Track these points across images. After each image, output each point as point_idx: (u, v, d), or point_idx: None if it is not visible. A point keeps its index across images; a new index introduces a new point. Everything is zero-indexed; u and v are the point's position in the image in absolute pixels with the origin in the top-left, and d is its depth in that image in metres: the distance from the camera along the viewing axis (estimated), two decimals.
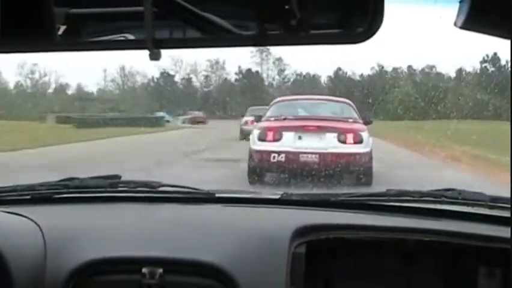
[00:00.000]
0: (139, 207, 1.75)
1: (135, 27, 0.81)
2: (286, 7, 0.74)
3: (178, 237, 1.52)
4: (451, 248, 1.55)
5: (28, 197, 1.76)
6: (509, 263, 1.33)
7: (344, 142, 8.26)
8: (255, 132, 8.55)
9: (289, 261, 1.43)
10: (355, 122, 8.87)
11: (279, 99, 10.40)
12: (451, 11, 0.77)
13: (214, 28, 0.76)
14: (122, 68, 36.12)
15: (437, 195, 1.71)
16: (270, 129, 8.49)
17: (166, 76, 36.50)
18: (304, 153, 8.06)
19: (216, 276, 1.38)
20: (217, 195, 1.78)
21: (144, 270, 1.38)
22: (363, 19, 0.74)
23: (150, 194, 1.79)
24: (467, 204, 1.66)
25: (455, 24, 0.77)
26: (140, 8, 0.72)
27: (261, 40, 0.81)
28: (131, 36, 0.83)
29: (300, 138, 8.33)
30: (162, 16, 0.74)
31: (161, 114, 27.88)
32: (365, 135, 8.46)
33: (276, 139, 8.33)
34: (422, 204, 1.71)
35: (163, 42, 0.77)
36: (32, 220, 1.53)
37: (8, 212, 1.58)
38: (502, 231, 1.46)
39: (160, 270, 1.38)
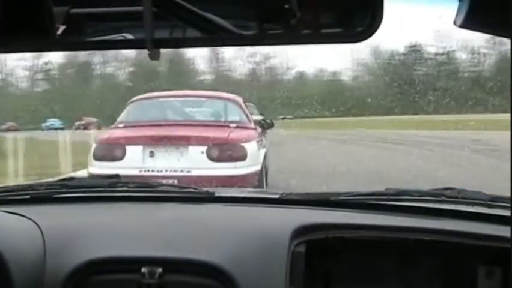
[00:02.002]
0: (138, 206, 1.75)
1: (134, 26, 0.81)
2: (286, 6, 0.74)
3: (177, 236, 1.52)
4: (451, 247, 1.55)
5: (27, 196, 1.76)
6: (509, 262, 1.33)
7: (216, 160, 5.73)
8: (92, 148, 6.17)
9: (288, 260, 1.43)
10: (240, 127, 6.37)
11: (138, 97, 7.40)
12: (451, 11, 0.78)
13: (213, 28, 0.76)
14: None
15: (437, 194, 1.71)
16: (109, 141, 6.11)
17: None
18: (156, 178, 5.45)
19: (215, 276, 1.38)
20: (216, 194, 1.78)
21: (144, 269, 1.38)
22: (363, 18, 0.74)
23: (149, 194, 1.79)
24: (467, 203, 1.66)
25: (454, 23, 0.77)
26: (140, 8, 0.72)
27: (260, 39, 0.81)
28: (130, 36, 0.83)
29: (151, 155, 5.86)
30: (162, 16, 0.74)
31: (51, 121, 26.44)
32: (251, 146, 5.93)
33: (117, 157, 5.83)
34: (422, 203, 1.71)
35: (162, 41, 0.77)
36: (31, 220, 1.53)
37: (7, 212, 1.58)
38: (502, 231, 1.46)
39: (160, 270, 1.38)
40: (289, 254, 1.44)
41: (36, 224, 1.51)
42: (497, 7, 0.73)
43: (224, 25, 0.77)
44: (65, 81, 34.91)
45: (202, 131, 6.15)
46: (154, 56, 0.75)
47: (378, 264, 1.64)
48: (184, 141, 5.85)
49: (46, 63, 35.03)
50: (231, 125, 6.37)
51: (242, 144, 5.90)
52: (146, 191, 1.79)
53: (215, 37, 0.79)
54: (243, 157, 5.79)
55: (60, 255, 1.43)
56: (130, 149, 5.88)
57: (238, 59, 36.64)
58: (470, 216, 1.62)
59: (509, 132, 1.02)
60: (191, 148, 5.81)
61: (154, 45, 0.74)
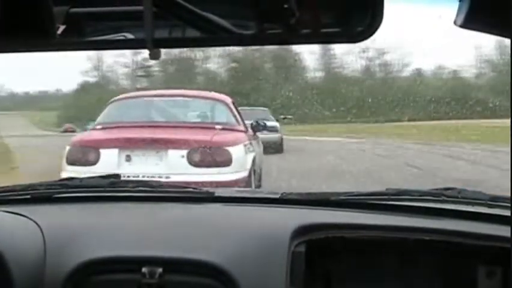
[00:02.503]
0: (138, 206, 1.75)
1: (135, 26, 0.81)
2: (286, 6, 0.75)
3: (177, 236, 1.52)
4: (451, 247, 1.55)
5: (28, 196, 1.76)
6: (510, 262, 1.33)
7: (198, 164, 5.26)
8: (66, 150, 5.70)
9: (289, 260, 1.43)
10: (227, 129, 5.91)
11: (121, 96, 6.96)
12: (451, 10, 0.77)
13: (213, 27, 0.76)
14: None
15: (437, 194, 1.71)
16: (82, 144, 5.70)
17: None
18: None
19: (216, 276, 1.38)
20: (216, 194, 1.78)
21: (144, 269, 1.38)
22: (362, 18, 0.74)
23: (149, 194, 1.79)
24: (467, 203, 1.66)
25: (455, 23, 0.77)
26: (140, 8, 0.72)
27: (260, 39, 0.81)
28: (130, 36, 0.83)
29: (128, 159, 5.41)
30: (162, 15, 0.74)
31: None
32: (236, 150, 5.45)
33: (90, 161, 5.38)
34: (422, 203, 1.71)
35: (162, 41, 0.77)
36: (31, 219, 1.53)
37: (7, 212, 1.58)
38: (502, 230, 1.46)
39: (160, 270, 1.38)
40: (290, 254, 1.44)
41: (37, 223, 1.51)
42: (498, 7, 0.73)
43: (224, 25, 0.77)
44: (165, 77, 33.60)
45: (184, 133, 5.67)
46: (155, 56, 0.75)
47: (378, 264, 1.64)
48: (164, 144, 5.38)
49: (145, 59, 32.83)
50: (217, 126, 5.91)
51: (227, 147, 5.40)
52: (147, 191, 1.79)
53: (215, 37, 0.79)
54: (227, 162, 5.30)
55: (60, 255, 1.43)
56: (104, 153, 5.42)
57: (350, 54, 34.28)
58: (470, 216, 1.62)
59: None
60: (170, 152, 5.34)
61: (155, 45, 0.74)
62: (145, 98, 6.94)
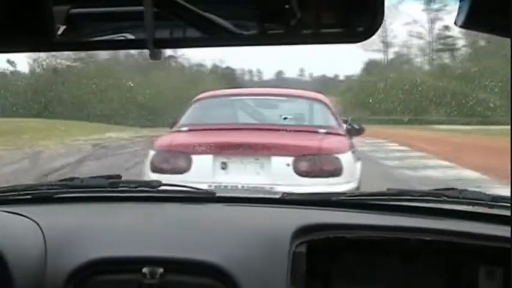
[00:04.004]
0: (139, 206, 1.75)
1: (135, 26, 0.81)
2: (287, 6, 0.74)
3: (178, 236, 1.52)
4: (452, 247, 1.55)
5: (28, 196, 1.76)
6: (510, 262, 1.33)
7: (306, 174, 4.56)
8: (149, 156, 4.97)
9: (289, 260, 1.43)
10: (331, 133, 5.15)
11: (205, 94, 6.16)
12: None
13: (214, 28, 0.76)
14: None
15: (438, 195, 1.71)
16: (171, 148, 4.93)
17: None
18: None
19: (216, 276, 1.38)
20: (217, 194, 1.78)
21: (145, 270, 1.38)
22: (363, 18, 0.74)
23: (150, 194, 1.79)
24: (468, 204, 1.66)
25: (455, 23, 0.77)
26: (140, 8, 0.72)
27: (261, 39, 0.81)
28: (131, 36, 0.83)
29: (224, 167, 4.73)
30: (162, 16, 0.74)
31: None
32: (346, 158, 4.75)
33: (180, 169, 4.69)
34: (423, 203, 1.71)
35: (163, 42, 0.77)
36: (32, 220, 1.53)
37: (8, 212, 1.58)
38: (503, 230, 1.46)
39: (161, 270, 1.38)
40: (290, 254, 1.44)
41: (37, 224, 1.51)
42: (498, 7, 0.73)
43: (224, 25, 0.77)
44: (474, 52, 30.80)
45: (287, 137, 4.95)
46: (155, 56, 0.75)
47: (378, 264, 1.64)
48: (266, 150, 4.66)
49: (445, 28, 30.88)
50: (320, 130, 5.12)
51: (336, 155, 4.70)
52: (147, 191, 1.79)
53: (215, 37, 0.79)
54: (337, 171, 4.61)
55: (61, 255, 1.43)
56: (197, 159, 4.71)
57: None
58: (471, 216, 1.62)
59: None
60: (274, 159, 4.62)
61: (155, 45, 0.74)
62: (233, 97, 6.16)
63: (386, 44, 32.90)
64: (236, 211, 1.73)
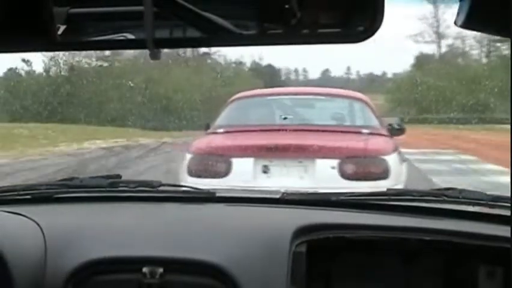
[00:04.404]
0: (139, 206, 1.75)
1: (135, 26, 0.81)
2: (286, 6, 0.74)
3: (178, 236, 1.52)
4: (452, 247, 1.55)
5: (28, 196, 1.76)
6: (510, 262, 1.33)
7: (352, 177, 4.35)
8: (185, 160, 4.73)
9: (289, 260, 1.43)
10: (374, 133, 4.92)
11: (241, 94, 5.91)
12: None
13: (214, 28, 0.76)
14: None
15: (438, 195, 1.71)
16: (210, 151, 4.73)
17: None
18: None
19: (217, 276, 1.38)
20: (217, 194, 1.78)
21: (145, 269, 1.38)
22: (363, 18, 0.74)
23: (150, 194, 1.79)
24: (468, 203, 1.66)
25: (455, 23, 0.77)
26: (140, 8, 0.72)
27: (261, 39, 0.81)
28: (131, 36, 0.82)
29: (265, 170, 4.53)
30: (162, 16, 0.74)
31: None
32: (392, 160, 4.51)
33: (219, 173, 4.50)
34: (423, 203, 1.71)
35: (163, 41, 0.77)
36: (32, 220, 1.53)
37: (8, 212, 1.58)
38: (503, 230, 1.46)
39: (161, 270, 1.38)
40: (290, 254, 1.44)
41: (37, 224, 1.51)
42: (498, 7, 0.73)
43: (224, 25, 0.77)
44: None
45: (331, 139, 4.68)
46: (155, 56, 0.75)
47: (378, 264, 1.64)
48: (309, 153, 4.43)
49: None
50: (363, 131, 4.90)
51: (383, 156, 4.47)
52: (147, 191, 1.79)
53: (215, 37, 0.79)
54: (384, 174, 4.37)
55: (61, 255, 1.43)
56: (237, 162, 4.49)
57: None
58: (471, 216, 1.62)
59: None
60: (319, 162, 4.40)
61: (155, 45, 0.74)
62: (270, 97, 5.94)
63: (439, 35, 30.72)
64: (236, 211, 1.73)
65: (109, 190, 1.80)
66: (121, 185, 1.82)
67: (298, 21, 0.75)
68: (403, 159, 4.90)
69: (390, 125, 5.50)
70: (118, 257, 1.43)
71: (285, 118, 5.30)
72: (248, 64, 30.21)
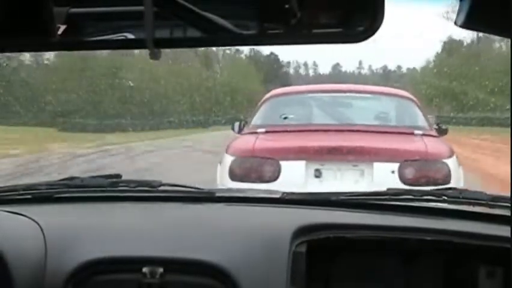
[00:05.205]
0: (139, 206, 1.75)
1: (135, 26, 0.81)
2: (287, 6, 0.74)
3: (178, 236, 1.52)
4: (452, 247, 1.55)
5: (29, 196, 1.76)
6: (510, 262, 1.33)
7: (413, 183, 3.96)
8: (226, 162, 4.32)
9: (289, 260, 1.43)
10: (427, 135, 4.58)
11: (276, 91, 5.55)
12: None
13: (214, 27, 0.76)
14: None
15: (438, 194, 1.71)
16: (256, 153, 4.30)
17: None
18: None
19: (216, 276, 1.38)
20: (217, 194, 1.78)
21: (145, 269, 1.38)
22: (363, 18, 0.74)
23: (151, 194, 1.79)
24: (468, 203, 1.66)
25: (455, 23, 0.77)
26: (141, 8, 0.72)
27: (261, 39, 0.81)
28: (131, 36, 0.83)
29: (318, 174, 4.16)
30: (162, 15, 0.74)
31: None
32: (452, 164, 4.18)
33: (267, 177, 4.14)
34: (423, 203, 1.71)
35: (163, 41, 0.77)
36: (32, 219, 1.53)
37: (8, 212, 1.58)
38: (503, 230, 1.46)
39: (161, 270, 1.38)
40: (290, 254, 1.44)
41: (38, 223, 1.51)
42: (498, 7, 0.73)
43: (224, 25, 0.77)
44: None
45: (389, 140, 4.36)
46: (155, 56, 0.75)
47: (379, 264, 1.64)
48: (366, 155, 4.10)
49: None
50: (416, 132, 4.55)
51: (444, 160, 4.13)
52: (147, 191, 1.79)
53: (215, 37, 0.79)
54: (446, 179, 4.03)
55: (61, 255, 1.43)
56: (286, 166, 4.12)
57: None
58: (471, 216, 1.62)
59: None
60: (377, 166, 4.07)
61: (155, 45, 0.74)
62: (308, 94, 5.47)
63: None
64: (236, 211, 1.73)
65: (109, 190, 1.80)
66: (121, 184, 1.82)
67: (298, 21, 0.75)
68: (459, 163, 4.55)
69: (438, 124, 5.19)
70: (118, 257, 1.43)
71: (326, 117, 4.95)
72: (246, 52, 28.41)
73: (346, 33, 0.78)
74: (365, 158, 4.13)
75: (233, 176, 4.22)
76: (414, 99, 5.23)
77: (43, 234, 1.48)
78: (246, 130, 4.93)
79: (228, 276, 1.37)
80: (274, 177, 4.14)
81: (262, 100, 5.28)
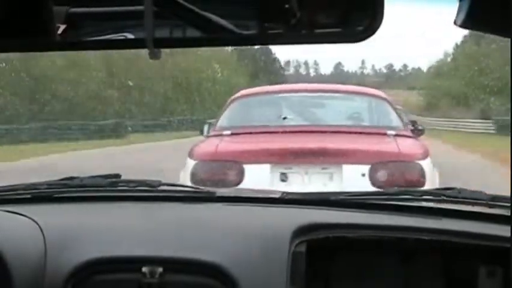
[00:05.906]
0: (139, 206, 1.75)
1: (135, 26, 0.81)
2: (286, 6, 0.75)
3: (178, 236, 1.52)
4: (451, 247, 1.55)
5: (28, 196, 1.76)
6: (510, 262, 1.33)
7: (384, 186, 3.70)
8: (188, 167, 4.14)
9: (289, 260, 1.43)
10: (400, 135, 4.43)
11: (245, 91, 5.36)
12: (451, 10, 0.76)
13: (214, 27, 0.77)
14: None
15: (437, 194, 1.71)
16: (218, 157, 4.14)
17: None
18: None
19: (216, 275, 1.38)
20: (217, 194, 1.78)
21: (144, 269, 1.38)
22: (363, 18, 0.74)
23: (150, 193, 1.79)
24: (467, 203, 1.66)
25: (455, 22, 0.77)
26: (141, 7, 0.72)
27: (261, 39, 0.81)
28: (131, 36, 0.83)
29: (283, 178, 4.00)
30: (162, 15, 0.74)
31: None
32: (427, 165, 4.02)
33: (230, 181, 3.95)
34: (422, 203, 1.71)
35: (163, 41, 0.77)
36: (32, 219, 1.53)
37: (7, 211, 1.58)
38: (502, 230, 1.46)
39: (160, 269, 1.38)
40: (290, 254, 1.44)
41: (37, 223, 1.51)
42: (498, 7, 0.73)
43: (224, 25, 0.77)
44: None
45: (358, 142, 4.18)
46: (155, 56, 0.75)
47: (378, 264, 1.64)
48: (335, 158, 3.90)
49: None
50: (389, 132, 4.36)
51: (418, 161, 3.95)
52: (147, 191, 1.79)
53: (215, 37, 0.79)
54: (421, 181, 3.85)
55: (60, 255, 1.43)
56: (250, 170, 3.91)
57: None
58: (470, 216, 1.62)
59: None
60: (346, 168, 3.88)
61: (155, 45, 0.74)
62: (277, 94, 5.27)
63: None
64: (236, 211, 1.73)
65: (108, 190, 1.80)
66: (120, 184, 1.82)
67: (298, 21, 0.75)
68: (434, 165, 4.38)
69: (413, 125, 4.97)
70: (118, 257, 1.43)
71: (296, 118, 4.76)
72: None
73: (346, 33, 0.78)
74: (333, 160, 3.94)
75: (195, 181, 3.99)
76: (388, 98, 5.08)
77: (43, 234, 1.48)
78: (211, 132, 4.73)
79: (228, 276, 1.37)
80: (237, 182, 3.93)
81: (229, 100, 5.06)
